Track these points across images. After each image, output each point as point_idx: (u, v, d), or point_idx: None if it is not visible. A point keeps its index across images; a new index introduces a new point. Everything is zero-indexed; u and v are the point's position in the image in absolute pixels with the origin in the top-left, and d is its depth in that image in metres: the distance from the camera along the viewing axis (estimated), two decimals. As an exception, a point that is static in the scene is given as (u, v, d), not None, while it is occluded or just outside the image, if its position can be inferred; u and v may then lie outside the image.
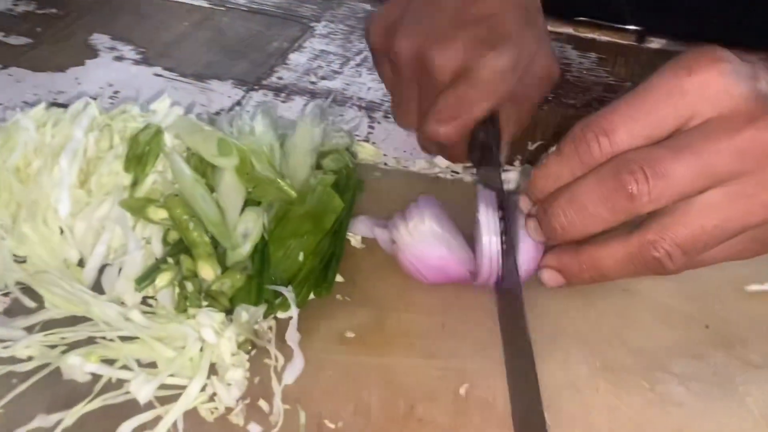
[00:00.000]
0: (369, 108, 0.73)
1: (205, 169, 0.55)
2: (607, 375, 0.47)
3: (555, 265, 0.49)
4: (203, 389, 0.45)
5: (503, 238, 0.49)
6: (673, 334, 0.50)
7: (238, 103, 0.72)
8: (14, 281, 0.51)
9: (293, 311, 0.49)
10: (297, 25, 0.86)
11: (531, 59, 0.58)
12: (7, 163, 0.54)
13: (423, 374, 0.47)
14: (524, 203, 0.49)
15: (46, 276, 0.50)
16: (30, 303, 0.50)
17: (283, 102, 0.73)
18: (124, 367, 0.46)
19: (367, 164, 0.64)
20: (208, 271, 0.50)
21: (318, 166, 0.57)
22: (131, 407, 0.44)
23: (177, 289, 0.50)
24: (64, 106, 0.61)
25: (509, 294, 0.49)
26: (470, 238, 0.52)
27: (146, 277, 0.49)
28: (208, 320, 0.47)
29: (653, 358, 0.49)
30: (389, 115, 0.72)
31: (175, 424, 0.43)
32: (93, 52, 0.79)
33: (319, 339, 0.49)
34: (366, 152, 0.66)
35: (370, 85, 0.76)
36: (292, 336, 0.48)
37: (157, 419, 0.43)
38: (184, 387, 0.45)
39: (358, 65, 0.80)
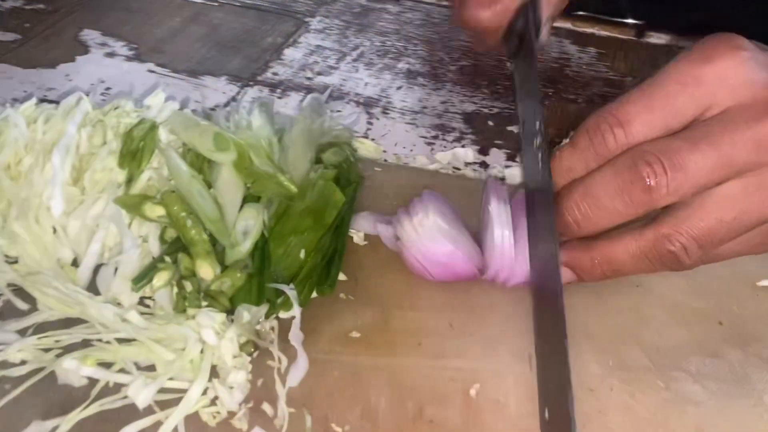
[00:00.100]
0: (367, 104, 0.72)
1: (201, 165, 0.53)
2: (621, 374, 0.46)
3: (566, 260, 0.47)
4: (204, 393, 0.43)
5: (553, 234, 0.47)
6: (687, 332, 0.49)
7: (233, 99, 0.71)
8: (6, 282, 0.49)
9: (296, 310, 0.47)
10: (291, 20, 0.85)
11: None
12: (-3, 160, 0.53)
13: (432, 375, 0.45)
14: None
15: (39, 277, 0.49)
16: (22, 305, 0.48)
17: (279, 98, 0.71)
18: (122, 371, 0.44)
19: (366, 160, 0.63)
20: (207, 270, 0.48)
21: (318, 161, 0.56)
22: (130, 412, 0.43)
23: (175, 289, 0.48)
24: (55, 102, 0.60)
25: (549, 294, 0.46)
26: (475, 232, 0.51)
27: (143, 277, 0.48)
28: (208, 321, 0.45)
29: (667, 356, 0.47)
30: (388, 111, 0.70)
31: (175, 430, 0.42)
32: (83, 48, 0.77)
33: (324, 339, 0.47)
34: (365, 148, 0.64)
35: (368, 81, 0.75)
36: (295, 336, 0.47)
37: (156, 425, 0.42)
38: (184, 390, 0.43)
39: (354, 60, 0.78)
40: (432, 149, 0.66)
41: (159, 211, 0.50)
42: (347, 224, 0.54)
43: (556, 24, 0.86)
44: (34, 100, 0.58)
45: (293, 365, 0.45)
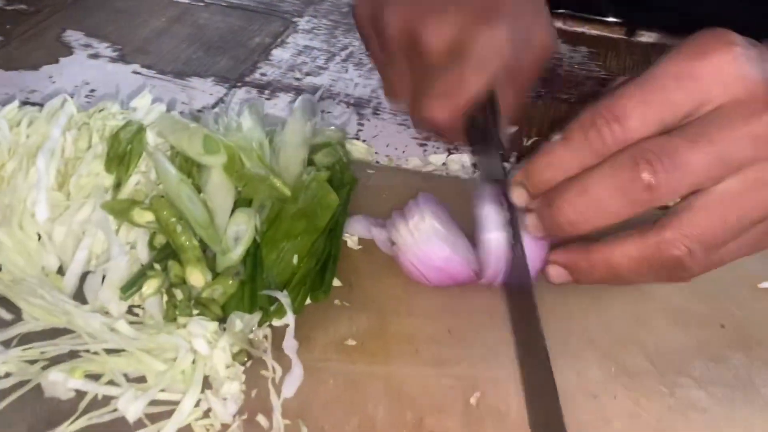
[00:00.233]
0: (357, 104, 0.70)
1: (191, 169, 0.52)
2: (624, 380, 0.45)
3: (563, 262, 0.46)
4: (197, 405, 0.42)
5: (509, 231, 0.46)
6: (689, 335, 0.48)
7: (221, 101, 0.69)
8: (-12, 291, 0.47)
9: (290, 318, 0.46)
10: (279, 21, 0.83)
11: (528, 33, 0.54)
12: (-21, 165, 0.51)
13: (431, 383, 0.44)
14: (519, 196, 0.45)
15: (24, 285, 0.47)
16: (6, 315, 0.47)
17: (268, 99, 0.70)
18: (111, 383, 0.43)
19: (358, 162, 0.61)
20: (197, 277, 0.47)
21: (310, 162, 0.55)
22: (119, 426, 0.41)
23: (165, 297, 0.47)
24: (38, 105, 0.58)
25: (519, 291, 0.46)
26: (471, 236, 0.50)
27: (132, 285, 0.46)
28: (199, 330, 0.44)
29: (670, 361, 0.46)
30: (379, 112, 0.69)
31: (167, 443, 0.40)
32: (67, 50, 0.75)
33: (318, 347, 0.46)
34: (357, 150, 0.63)
35: (358, 81, 0.74)
36: (289, 345, 0.45)
37: (148, 438, 0.41)
38: (176, 403, 0.42)
39: (344, 61, 0.77)
40: (425, 150, 0.65)
41: (147, 216, 0.49)
42: (341, 227, 0.53)
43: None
44: (16, 103, 0.57)
45: (288, 375, 0.44)
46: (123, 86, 0.69)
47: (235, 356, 0.44)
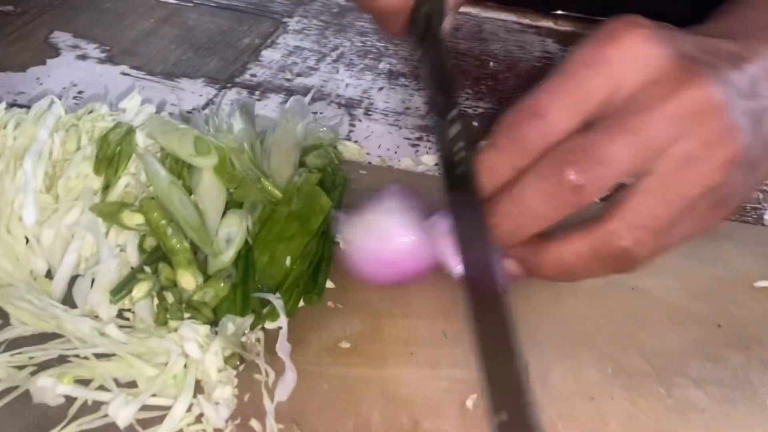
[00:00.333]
0: (349, 105, 0.70)
1: (181, 171, 0.51)
2: (622, 381, 0.45)
3: (517, 257, 0.45)
4: (189, 409, 0.42)
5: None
6: (686, 335, 0.48)
7: (211, 102, 0.68)
8: (-25, 296, 0.47)
9: (282, 320, 0.45)
10: (269, 21, 0.83)
11: None
12: (-35, 167, 0.50)
13: (426, 386, 0.44)
14: None
15: (11, 289, 0.46)
16: (-6, 320, 0.46)
17: (259, 100, 0.69)
18: (101, 388, 0.42)
19: (350, 163, 0.61)
20: (188, 280, 0.46)
21: (301, 164, 0.54)
22: (110, 432, 0.41)
23: (156, 301, 0.46)
24: (25, 107, 0.57)
25: (485, 289, 0.43)
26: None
27: (122, 288, 0.46)
28: (191, 333, 0.43)
29: (667, 361, 0.46)
30: (371, 113, 0.69)
31: (159, 449, 0.40)
32: (54, 51, 0.74)
33: (312, 350, 0.46)
34: (348, 151, 0.62)
35: (349, 82, 0.73)
36: (282, 348, 0.45)
37: (139, 444, 0.40)
38: (168, 408, 0.41)
39: (334, 61, 0.76)
40: (416, 151, 0.64)
41: (137, 218, 0.48)
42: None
43: (538, 23, 0.85)
44: (3, 105, 0.56)
45: (281, 378, 0.43)
46: (111, 88, 0.68)
47: (227, 360, 0.43)
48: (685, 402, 0.44)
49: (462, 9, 0.86)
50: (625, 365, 0.46)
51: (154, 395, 0.42)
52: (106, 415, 0.41)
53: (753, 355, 0.47)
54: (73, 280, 0.48)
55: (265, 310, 0.46)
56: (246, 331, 0.45)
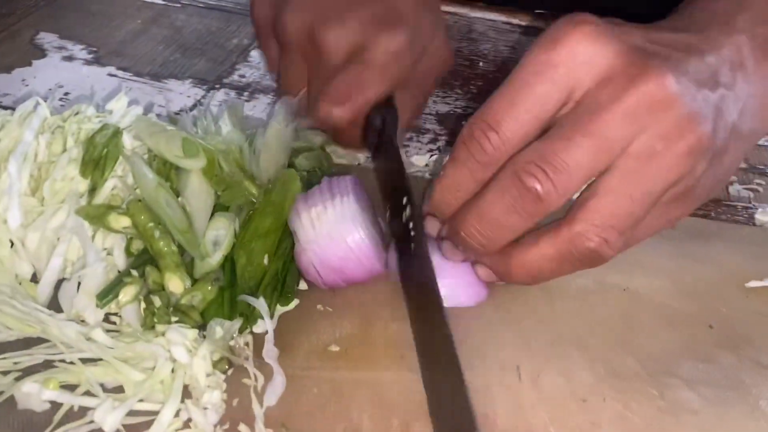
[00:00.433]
0: (338, 106, 0.69)
1: (169, 173, 0.50)
2: (613, 382, 0.44)
3: (487, 264, 0.46)
4: (177, 415, 0.41)
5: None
6: (678, 336, 0.48)
7: (199, 103, 0.68)
8: (-40, 301, 0.46)
9: (268, 324, 0.45)
10: (257, 22, 0.82)
11: (427, 42, 0.55)
12: (-51, 170, 0.50)
13: (417, 389, 0.43)
14: (431, 225, 0.46)
15: (-4, 294, 0.45)
16: (-22, 324, 0.45)
17: (247, 101, 0.69)
18: (87, 393, 0.42)
19: (341, 166, 0.60)
20: (176, 283, 0.46)
21: (291, 166, 0.54)
22: (96, 438, 0.40)
23: (143, 305, 0.46)
24: (10, 108, 0.57)
25: (421, 288, 0.45)
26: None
27: (108, 292, 0.45)
28: (179, 337, 0.43)
29: (659, 362, 0.46)
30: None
31: (147, 456, 0.39)
32: (40, 52, 0.74)
33: (301, 354, 0.45)
34: (341, 153, 0.62)
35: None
36: (269, 352, 0.44)
37: (126, 451, 0.39)
38: (155, 413, 0.41)
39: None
40: (407, 152, 0.64)
41: (124, 221, 0.48)
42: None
43: (528, 23, 0.85)
44: (-13, 107, 0.55)
45: (270, 383, 0.43)
46: (98, 89, 0.68)
47: (215, 364, 0.43)
48: (677, 403, 0.43)
49: (451, 9, 0.86)
50: (617, 366, 0.45)
51: (141, 400, 0.41)
52: (92, 421, 0.40)
53: (745, 355, 0.47)
54: (59, 284, 0.47)
55: (255, 313, 0.46)
56: (234, 335, 0.45)
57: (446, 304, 0.42)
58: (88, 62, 0.73)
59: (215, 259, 0.47)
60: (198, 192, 0.49)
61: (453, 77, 0.74)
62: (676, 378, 0.45)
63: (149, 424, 0.40)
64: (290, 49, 0.54)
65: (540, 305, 0.48)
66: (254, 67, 0.74)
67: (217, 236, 0.48)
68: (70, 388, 0.42)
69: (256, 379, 0.43)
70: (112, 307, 0.46)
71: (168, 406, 0.40)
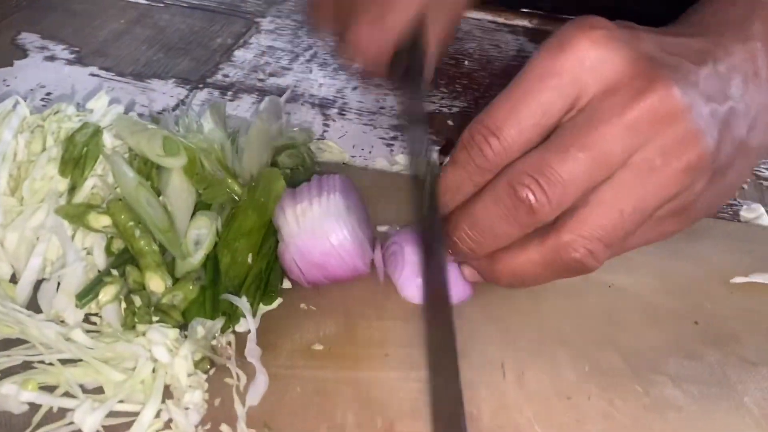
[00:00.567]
0: (322, 105, 0.69)
1: (150, 172, 0.50)
2: (598, 379, 0.44)
3: (473, 266, 0.46)
4: (158, 415, 0.40)
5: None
6: (663, 333, 0.48)
7: (182, 103, 0.67)
8: (-63, 302, 0.45)
9: (250, 323, 0.45)
10: (241, 21, 0.82)
11: None
12: (-74, 170, 0.49)
13: (401, 388, 0.43)
14: None
15: (-26, 295, 0.45)
16: (-44, 326, 0.44)
17: (231, 101, 0.68)
18: (67, 395, 0.41)
19: (325, 164, 0.60)
20: (157, 282, 0.45)
21: (274, 164, 0.53)
22: (76, 440, 0.39)
23: (123, 304, 0.45)
24: (-10, 108, 0.56)
25: (434, 296, 0.44)
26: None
27: (88, 292, 0.45)
28: (159, 337, 0.42)
29: (644, 359, 0.46)
30: (344, 112, 0.68)
31: (127, 457, 0.39)
32: (21, 52, 0.73)
33: (284, 353, 0.45)
34: (330, 151, 0.62)
35: (322, 82, 0.72)
36: (251, 351, 0.44)
37: (106, 452, 0.39)
38: (136, 414, 0.40)
39: (308, 61, 0.75)
40: (391, 150, 0.64)
41: (104, 220, 0.47)
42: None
43: (513, 22, 0.85)
44: (-34, 106, 0.55)
45: (252, 382, 0.42)
46: (80, 89, 0.67)
47: (197, 364, 0.42)
48: (663, 400, 0.43)
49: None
50: (602, 364, 0.45)
51: (121, 401, 0.41)
52: (71, 423, 0.40)
53: (730, 351, 0.47)
54: (38, 284, 0.47)
55: (238, 312, 0.45)
56: (216, 335, 0.44)
57: None
58: (70, 62, 0.72)
59: (197, 258, 0.47)
60: (179, 191, 0.48)
61: (438, 76, 0.74)
62: (661, 375, 0.45)
63: (130, 425, 0.40)
64: None
65: (525, 303, 0.48)
66: (238, 66, 0.73)
67: (199, 235, 0.47)
68: (49, 389, 0.41)
69: (238, 379, 0.43)
70: (92, 307, 0.45)
71: (148, 407, 0.40)
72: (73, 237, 0.48)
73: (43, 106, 0.64)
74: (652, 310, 0.49)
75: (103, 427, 0.40)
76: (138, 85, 0.70)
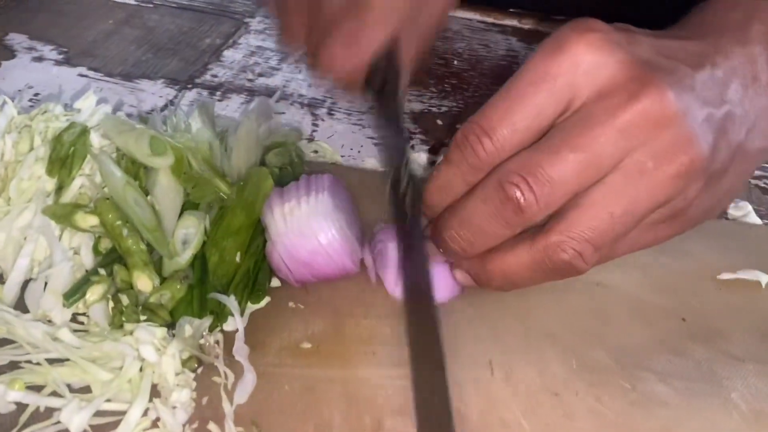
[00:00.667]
0: (311, 105, 0.69)
1: (137, 171, 0.50)
2: (586, 376, 0.44)
3: (464, 268, 0.45)
4: (145, 414, 0.40)
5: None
6: (650, 329, 0.48)
7: (171, 103, 0.67)
8: (-77, 302, 0.45)
9: (238, 321, 0.44)
10: (230, 21, 0.82)
11: None
12: None
13: (389, 385, 0.43)
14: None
15: (-39, 295, 0.45)
16: (-58, 326, 0.44)
17: (220, 101, 0.68)
18: (54, 394, 0.41)
19: (314, 163, 0.60)
20: (145, 281, 0.45)
21: (263, 163, 0.53)
22: (63, 439, 0.39)
23: (111, 304, 0.45)
24: (-22, 108, 0.56)
25: (417, 293, 0.44)
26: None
27: (76, 291, 0.45)
28: (147, 336, 0.42)
29: (632, 356, 0.46)
30: (333, 112, 0.68)
31: (114, 456, 0.39)
32: (9, 53, 0.73)
33: (273, 352, 0.45)
34: (323, 151, 0.62)
35: (311, 82, 0.72)
36: (239, 350, 0.44)
37: (93, 451, 0.39)
38: (123, 413, 0.40)
39: (297, 61, 0.75)
40: (381, 150, 0.64)
41: (92, 220, 0.47)
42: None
43: (502, 22, 0.85)
44: (-47, 107, 0.54)
45: (240, 380, 0.42)
46: (68, 89, 0.67)
47: (184, 363, 0.42)
48: (650, 396, 0.43)
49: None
50: (590, 360, 0.45)
51: (108, 400, 0.40)
52: (58, 422, 0.39)
53: (717, 347, 0.47)
54: (26, 284, 0.47)
55: (226, 311, 0.45)
56: (204, 333, 0.44)
57: None
58: (58, 63, 0.72)
59: (184, 257, 0.46)
60: (167, 190, 0.48)
61: (427, 76, 0.74)
62: (649, 371, 0.45)
63: (117, 423, 0.40)
64: None
65: (513, 300, 0.48)
66: (227, 67, 0.73)
67: (187, 234, 0.47)
68: (36, 388, 0.41)
69: (226, 377, 0.43)
70: (80, 306, 0.45)
71: (136, 406, 0.40)
72: (60, 237, 0.48)
73: (31, 106, 0.64)
74: (639, 307, 0.49)
75: (91, 426, 0.40)
76: (126, 85, 0.70)
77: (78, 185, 0.49)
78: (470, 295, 0.48)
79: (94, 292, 0.44)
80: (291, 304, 0.48)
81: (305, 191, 0.47)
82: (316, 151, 0.62)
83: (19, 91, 0.67)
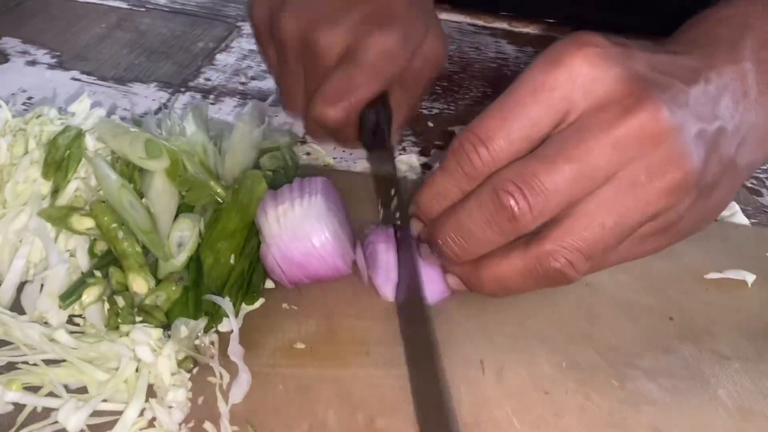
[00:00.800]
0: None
1: (132, 174, 0.50)
2: (575, 374, 0.45)
3: (457, 273, 0.46)
4: (141, 414, 0.41)
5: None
6: (638, 328, 0.49)
7: (164, 106, 0.68)
8: None
9: (233, 323, 0.45)
10: (223, 25, 0.82)
11: (420, 41, 0.55)
12: None
13: (381, 385, 0.44)
14: (414, 225, 0.47)
15: (-42, 297, 0.45)
16: (-61, 328, 0.45)
17: (213, 104, 0.69)
18: (51, 394, 0.41)
19: (308, 167, 0.61)
20: (140, 283, 0.46)
21: (257, 166, 0.54)
22: (60, 439, 0.40)
23: (107, 305, 0.46)
24: (-28, 113, 0.56)
25: (409, 297, 0.46)
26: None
27: (72, 293, 0.45)
28: (143, 337, 0.43)
29: (620, 354, 0.47)
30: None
31: (111, 455, 0.39)
32: (2, 57, 0.73)
33: (267, 352, 0.45)
34: (319, 155, 0.62)
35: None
36: (234, 350, 0.44)
37: (90, 451, 0.39)
38: (119, 413, 0.41)
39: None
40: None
41: (87, 222, 0.47)
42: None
43: (493, 25, 0.86)
44: (-53, 111, 0.55)
45: (235, 380, 0.43)
46: (62, 93, 0.68)
47: (180, 363, 0.43)
48: (638, 394, 0.44)
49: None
50: (579, 359, 0.46)
51: (105, 400, 0.41)
52: (56, 422, 0.40)
53: (704, 346, 0.48)
54: (22, 286, 0.47)
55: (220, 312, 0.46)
56: (200, 334, 0.45)
57: None
58: (51, 67, 0.72)
59: (179, 260, 0.47)
60: (162, 193, 0.49)
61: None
62: (637, 369, 0.46)
63: (113, 423, 0.40)
64: (286, 52, 0.54)
65: (503, 300, 0.48)
66: (220, 70, 0.74)
67: (182, 237, 0.48)
68: (34, 389, 0.42)
69: (221, 377, 0.43)
70: (76, 308, 0.45)
71: (132, 406, 0.40)
72: (56, 239, 0.48)
73: (25, 110, 0.64)
74: (628, 306, 0.50)
75: (87, 426, 0.40)
76: (120, 89, 0.70)
77: (73, 188, 0.50)
78: (461, 295, 0.48)
79: (90, 294, 0.45)
80: (285, 305, 0.48)
81: (299, 194, 0.48)
82: (308, 153, 0.63)
83: (13, 94, 0.67)
